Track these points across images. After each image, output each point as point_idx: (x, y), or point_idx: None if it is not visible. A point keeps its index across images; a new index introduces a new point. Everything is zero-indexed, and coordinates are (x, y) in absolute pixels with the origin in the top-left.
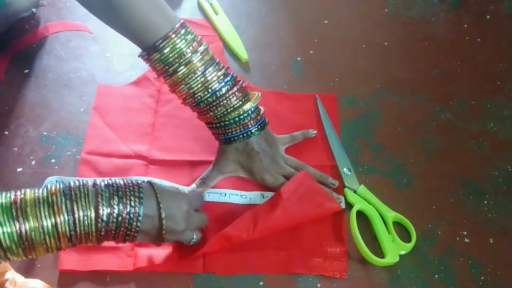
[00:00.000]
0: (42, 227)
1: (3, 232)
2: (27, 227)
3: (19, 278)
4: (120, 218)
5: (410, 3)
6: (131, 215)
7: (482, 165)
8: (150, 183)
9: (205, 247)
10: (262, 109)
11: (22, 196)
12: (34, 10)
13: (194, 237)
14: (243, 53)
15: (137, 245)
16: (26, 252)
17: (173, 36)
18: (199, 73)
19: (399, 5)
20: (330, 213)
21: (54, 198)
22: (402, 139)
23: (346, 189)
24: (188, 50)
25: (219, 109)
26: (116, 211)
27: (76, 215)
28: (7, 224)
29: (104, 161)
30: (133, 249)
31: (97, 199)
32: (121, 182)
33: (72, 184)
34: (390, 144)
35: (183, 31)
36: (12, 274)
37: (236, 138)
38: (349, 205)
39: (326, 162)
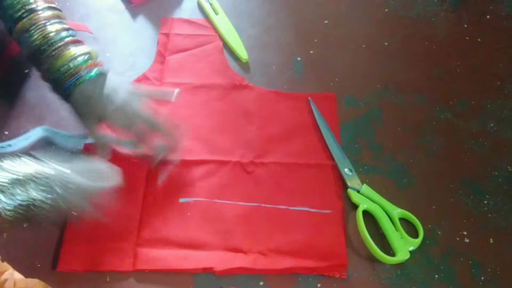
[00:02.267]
0: None
1: None
2: None
3: (18, 278)
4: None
5: (410, 3)
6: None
7: (482, 165)
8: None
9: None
10: (101, 63)
11: None
12: None
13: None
14: (243, 53)
15: (138, 245)
16: None
17: None
18: (41, 22)
19: (399, 5)
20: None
21: None
22: (402, 139)
23: (349, 190)
24: (33, 2)
25: (49, 59)
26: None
27: None
28: None
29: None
30: (133, 249)
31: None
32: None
33: None
34: (390, 144)
35: None
36: (11, 274)
37: (68, 88)
38: (354, 206)
39: (326, 161)
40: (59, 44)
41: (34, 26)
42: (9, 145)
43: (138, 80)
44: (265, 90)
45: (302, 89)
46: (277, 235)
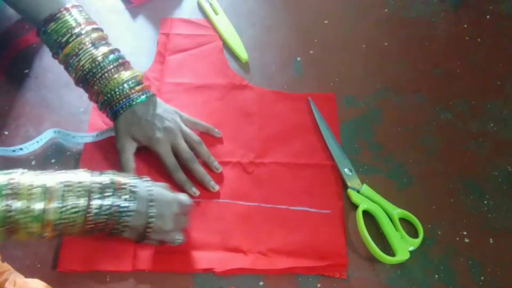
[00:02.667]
0: (30, 210)
1: None
2: (16, 207)
3: (18, 278)
4: (110, 211)
5: (410, 3)
6: (122, 210)
7: (482, 165)
8: (145, 180)
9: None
10: (148, 86)
11: (20, 177)
12: None
13: (180, 238)
14: (243, 53)
15: (136, 245)
16: (7, 233)
17: (64, 12)
18: (88, 46)
19: (399, 5)
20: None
21: (51, 185)
22: (402, 139)
23: (349, 190)
24: (77, 26)
25: (101, 81)
26: (108, 203)
27: (67, 203)
28: None
29: (104, 162)
30: (132, 249)
31: (91, 189)
32: (117, 176)
33: (72, 174)
34: (390, 144)
35: (75, 11)
36: (11, 274)
37: (120, 109)
38: (354, 206)
39: (326, 161)
40: (109, 67)
41: (82, 51)
42: (21, 149)
43: None
44: (265, 90)
45: (302, 89)
46: (277, 235)
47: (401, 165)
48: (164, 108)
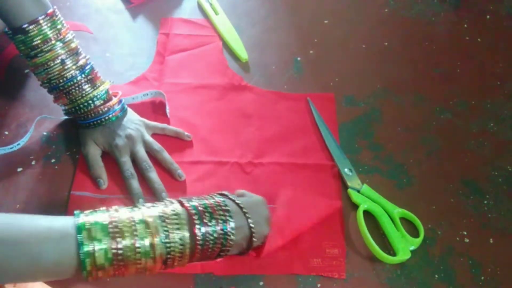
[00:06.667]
0: (138, 247)
1: (100, 249)
2: (123, 245)
3: None
4: (215, 235)
5: (410, 3)
6: (226, 230)
7: (482, 165)
8: (225, 195)
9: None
10: (119, 98)
11: (118, 214)
12: None
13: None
14: (243, 53)
15: None
16: (116, 270)
17: (41, 21)
18: (57, 62)
19: (399, 5)
20: (329, 212)
21: (150, 219)
22: (402, 139)
23: (349, 190)
24: (53, 38)
25: (69, 96)
26: (211, 229)
27: (172, 236)
28: (104, 241)
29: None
30: None
31: (191, 220)
32: (206, 201)
33: (162, 207)
34: (390, 144)
35: (52, 19)
36: None
37: (89, 123)
38: (354, 206)
39: (325, 161)
40: (79, 82)
41: (51, 68)
42: (18, 144)
43: (137, 80)
44: (264, 90)
45: (302, 89)
46: (275, 235)
47: (401, 165)
48: (129, 118)
